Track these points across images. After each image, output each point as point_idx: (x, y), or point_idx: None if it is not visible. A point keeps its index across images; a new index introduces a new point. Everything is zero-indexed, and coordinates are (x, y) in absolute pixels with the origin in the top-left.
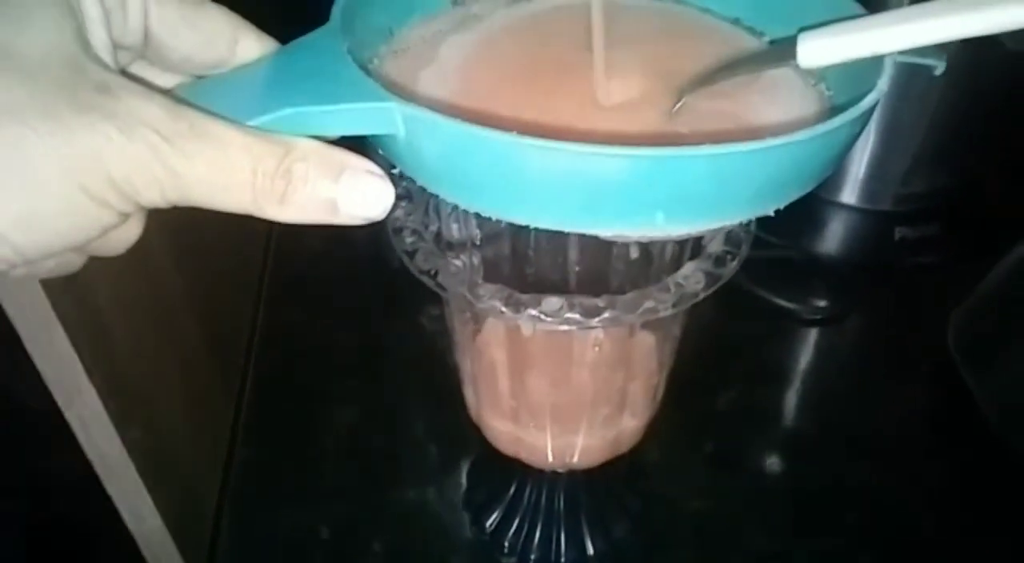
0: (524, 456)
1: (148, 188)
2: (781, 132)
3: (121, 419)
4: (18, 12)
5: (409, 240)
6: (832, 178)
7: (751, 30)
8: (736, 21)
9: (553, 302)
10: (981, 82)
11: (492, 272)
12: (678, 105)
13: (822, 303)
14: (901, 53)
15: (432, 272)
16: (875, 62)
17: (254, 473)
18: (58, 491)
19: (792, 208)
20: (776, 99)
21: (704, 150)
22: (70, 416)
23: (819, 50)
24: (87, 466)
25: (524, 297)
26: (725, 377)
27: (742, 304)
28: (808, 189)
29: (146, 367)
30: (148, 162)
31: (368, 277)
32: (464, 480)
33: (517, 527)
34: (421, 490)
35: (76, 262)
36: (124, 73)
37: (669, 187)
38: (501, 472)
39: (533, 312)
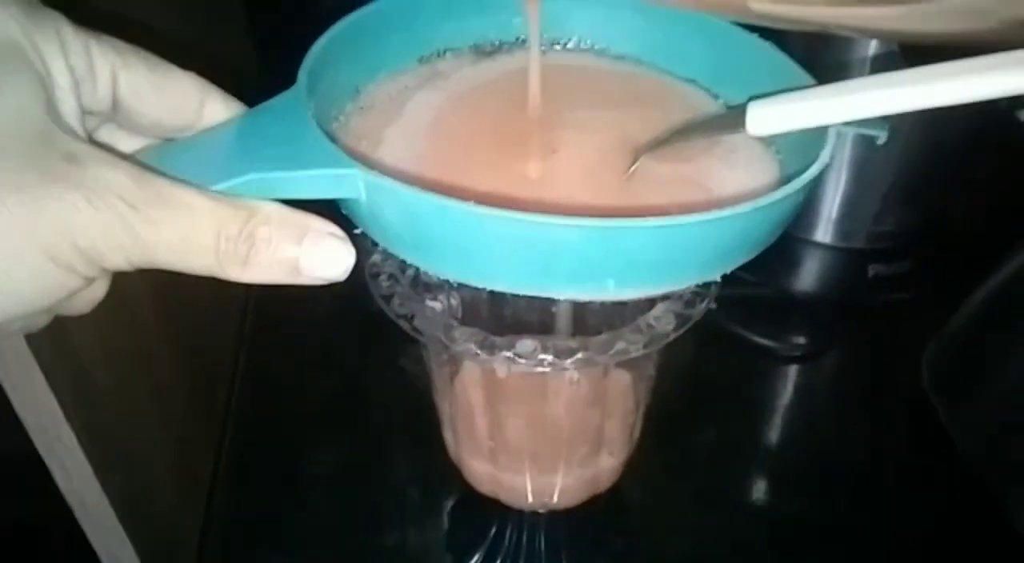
0: (503, 497)
1: (113, 254)
2: (737, 198)
3: (102, 465)
4: None
5: (386, 284)
6: (806, 218)
7: (708, 92)
8: (694, 82)
9: (527, 344)
10: (948, 122)
11: (471, 313)
12: (633, 167)
13: (799, 340)
14: (845, 123)
15: (409, 316)
16: (821, 131)
17: (235, 518)
18: (40, 537)
19: (768, 247)
20: (734, 164)
21: (651, 222)
22: (51, 462)
23: (767, 119)
24: (68, 512)
25: (498, 340)
26: (705, 415)
27: (720, 342)
28: (754, 254)
29: (127, 413)
30: (114, 229)
31: (348, 320)
32: (445, 522)
33: None
34: (402, 533)
35: (42, 321)
36: (92, 139)
37: (618, 256)
38: (482, 514)
39: (507, 354)
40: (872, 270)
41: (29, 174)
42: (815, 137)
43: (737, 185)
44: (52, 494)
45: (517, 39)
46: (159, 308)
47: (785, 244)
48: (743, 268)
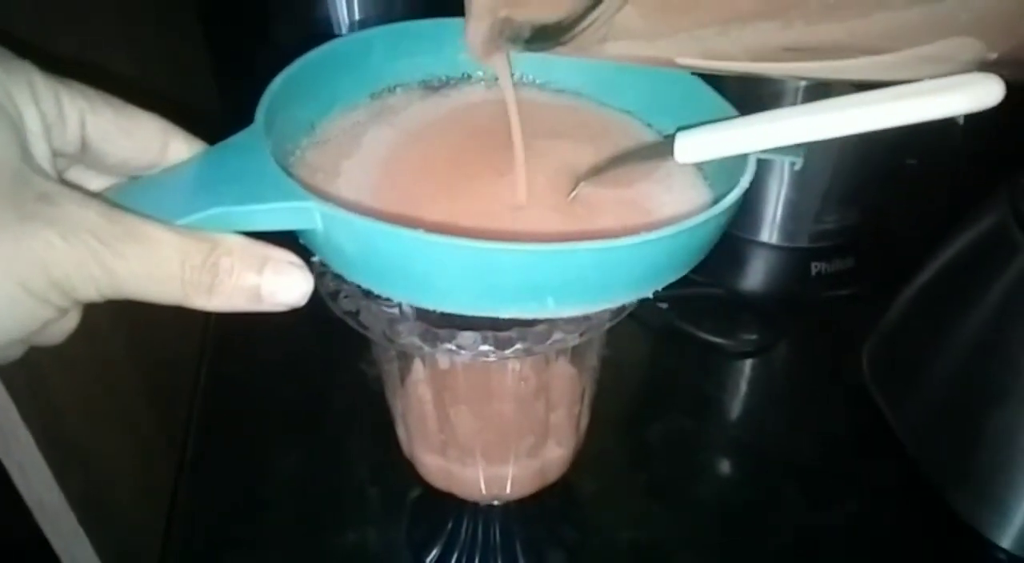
0: (457, 490)
1: (85, 286)
2: (674, 219)
3: (60, 467)
4: None
5: (331, 283)
6: (751, 219)
7: (643, 122)
8: (630, 113)
9: (468, 336)
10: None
11: (423, 316)
12: (574, 193)
13: (748, 337)
14: (763, 151)
15: (354, 312)
16: (743, 159)
17: (197, 521)
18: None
19: (716, 247)
20: (671, 188)
21: (584, 246)
22: (8, 463)
23: (693, 148)
24: (27, 513)
25: (441, 332)
26: (657, 409)
27: (672, 340)
28: (684, 272)
29: (87, 417)
30: (86, 263)
31: (309, 324)
32: (404, 519)
33: (456, 561)
34: (363, 531)
35: (17, 352)
36: (63, 179)
37: (556, 278)
38: (440, 508)
39: (449, 346)
40: (815, 268)
41: (6, 213)
42: (738, 163)
43: (674, 207)
44: (11, 495)
45: (463, 74)
46: (119, 317)
47: (732, 244)
48: (693, 269)
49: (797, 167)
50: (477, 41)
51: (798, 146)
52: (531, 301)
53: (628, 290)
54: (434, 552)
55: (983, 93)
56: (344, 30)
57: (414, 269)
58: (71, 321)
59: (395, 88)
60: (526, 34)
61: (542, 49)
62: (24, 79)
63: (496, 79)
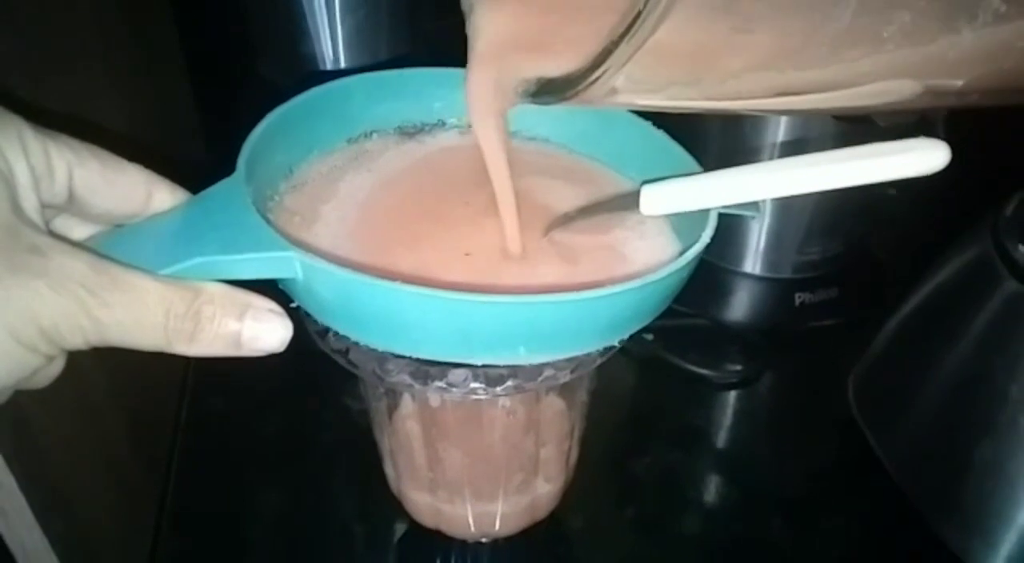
0: (445, 528)
1: (73, 334)
2: (648, 266)
3: (43, 510)
4: None
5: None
6: (735, 250)
7: (612, 169)
8: (599, 161)
9: (458, 373)
10: None
11: None
12: (545, 237)
13: (734, 367)
14: (724, 207)
15: (343, 350)
16: (705, 213)
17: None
18: None
19: (700, 279)
20: (644, 235)
21: (550, 298)
22: None
23: (657, 201)
24: (9, 557)
25: (431, 369)
26: (644, 442)
27: (657, 371)
28: (648, 321)
29: (69, 458)
30: (74, 313)
31: (291, 362)
32: (392, 557)
33: None
34: None
35: (3, 397)
36: (49, 229)
37: (525, 327)
38: (427, 546)
39: (440, 383)
40: (799, 298)
41: None
42: (702, 215)
43: (648, 254)
44: None
45: (438, 121)
46: (100, 355)
47: (716, 275)
48: (677, 300)
49: (754, 220)
50: (480, 92)
51: (753, 203)
52: (503, 349)
53: (596, 338)
54: None
55: (931, 157)
56: (329, 67)
57: (391, 318)
58: (57, 367)
59: (372, 133)
60: (532, 88)
61: (546, 102)
62: (15, 134)
63: (471, 126)
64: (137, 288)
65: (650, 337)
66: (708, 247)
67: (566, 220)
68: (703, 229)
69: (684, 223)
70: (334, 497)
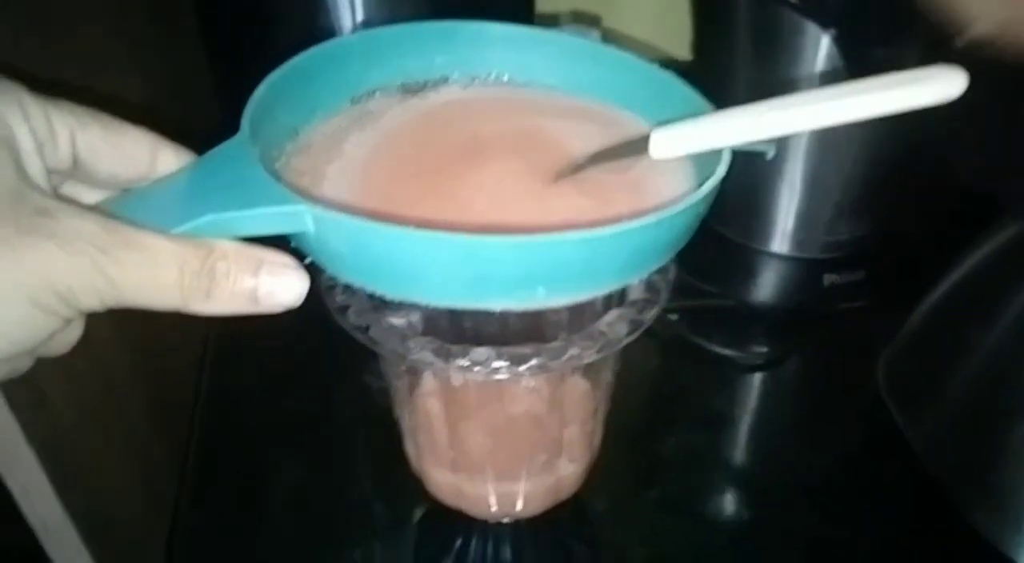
0: (467, 507)
1: (88, 295)
2: (669, 202)
3: (63, 486)
4: None
5: (340, 297)
6: (762, 229)
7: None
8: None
9: (481, 352)
10: (895, 133)
11: (431, 327)
12: (557, 179)
13: (759, 349)
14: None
15: (364, 327)
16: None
17: (200, 539)
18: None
19: (726, 259)
20: (662, 170)
21: (571, 235)
22: (11, 483)
23: (667, 144)
24: (30, 532)
25: (454, 348)
26: (668, 424)
27: (682, 352)
28: (667, 259)
29: (88, 433)
30: (88, 272)
31: (311, 338)
32: (410, 536)
33: None
34: (369, 549)
35: (26, 364)
36: (58, 194)
37: (545, 267)
38: (448, 526)
39: (463, 362)
40: (827, 279)
41: (7, 229)
42: (718, 153)
43: (665, 190)
44: (13, 515)
45: (441, 77)
46: (120, 331)
47: (743, 255)
48: (703, 280)
49: (769, 157)
50: None
51: (769, 139)
52: (521, 291)
53: (614, 277)
54: None
55: (947, 85)
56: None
57: (405, 265)
58: (75, 331)
59: (375, 93)
60: None
61: None
62: (14, 99)
63: (473, 79)
64: (149, 246)
65: (675, 317)
66: (733, 221)
67: (576, 169)
68: (717, 163)
69: (702, 159)
70: (354, 474)
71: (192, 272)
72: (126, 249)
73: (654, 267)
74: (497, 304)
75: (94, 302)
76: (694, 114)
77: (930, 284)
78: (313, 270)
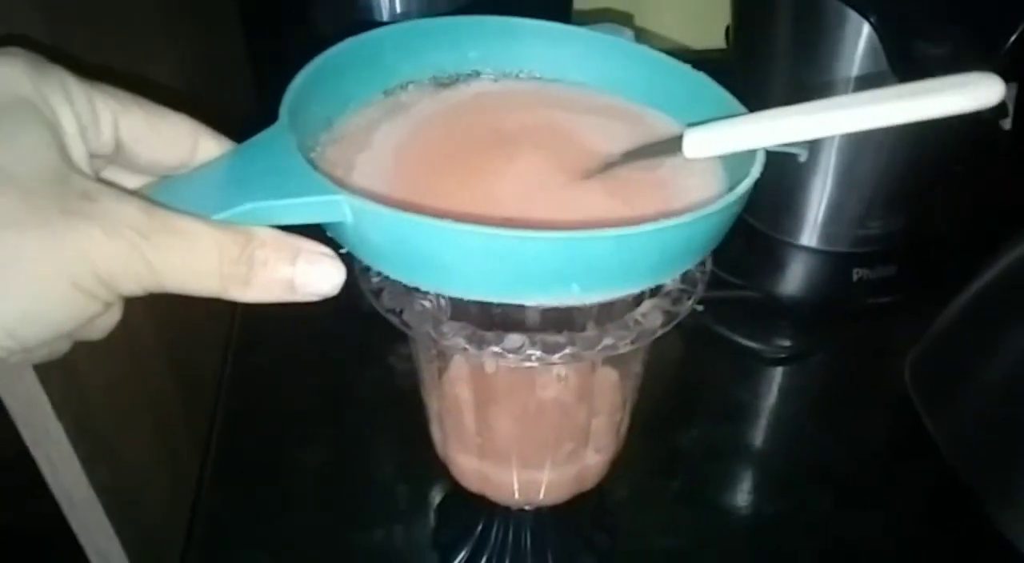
0: (490, 493)
1: (129, 279)
2: (697, 203)
3: (89, 459)
4: (9, 133)
5: (375, 279)
6: (791, 221)
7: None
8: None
9: (515, 339)
10: (930, 131)
11: (460, 311)
12: (588, 177)
13: (784, 343)
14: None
15: (398, 310)
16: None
17: (221, 517)
18: (25, 529)
19: (753, 250)
20: (693, 171)
21: (608, 232)
22: (38, 455)
23: (701, 144)
24: (55, 505)
25: (487, 334)
26: (692, 415)
27: (707, 344)
28: (700, 259)
29: (115, 409)
30: (129, 257)
31: (337, 319)
32: (432, 519)
33: None
34: (389, 530)
35: (65, 347)
36: (99, 178)
37: (581, 264)
38: (469, 510)
39: (496, 349)
40: (857, 274)
41: (51, 211)
42: (750, 153)
43: (696, 191)
44: (39, 486)
45: (473, 71)
46: (149, 309)
47: (771, 247)
48: (729, 271)
49: (802, 159)
50: None
51: (802, 141)
52: (556, 288)
53: (648, 276)
54: (462, 554)
55: (984, 91)
56: (385, 18)
57: (442, 258)
58: (115, 315)
59: (407, 85)
60: None
61: None
62: (58, 83)
63: (505, 74)
64: (189, 232)
65: (700, 308)
66: (762, 213)
67: (607, 167)
68: (752, 165)
69: (733, 160)
70: (376, 456)
71: (231, 259)
72: (167, 234)
73: (688, 266)
74: (532, 300)
75: (134, 286)
76: (726, 115)
77: (961, 282)
78: (335, 246)
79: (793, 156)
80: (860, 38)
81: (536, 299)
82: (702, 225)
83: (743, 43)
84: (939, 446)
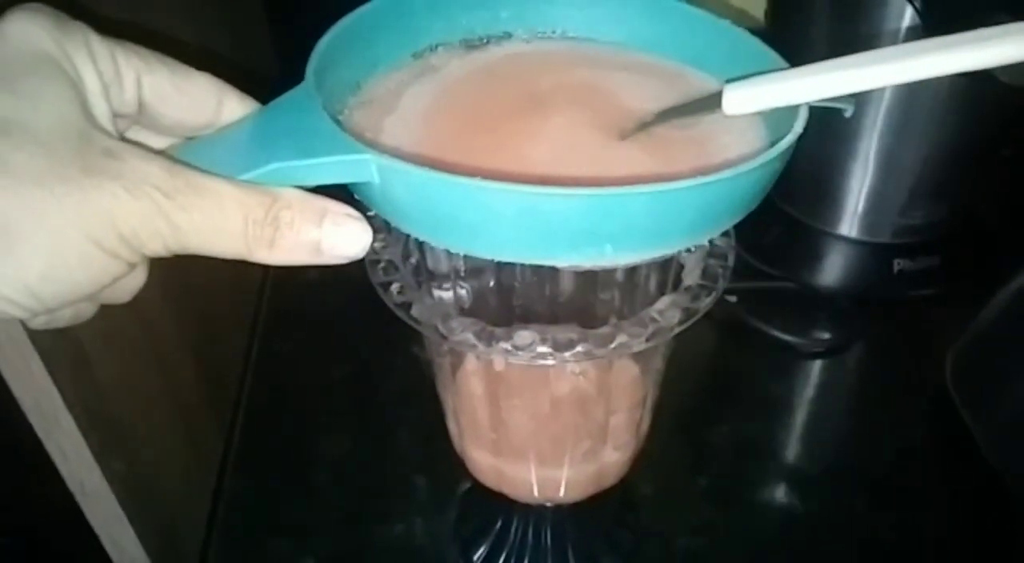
0: (507, 490)
1: (152, 239)
2: (735, 161)
3: (102, 450)
4: (31, 90)
5: (383, 273)
6: (830, 210)
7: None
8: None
9: (525, 336)
10: (977, 115)
11: (479, 303)
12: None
13: (821, 336)
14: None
15: (406, 305)
16: (795, 106)
17: (243, 504)
18: (40, 520)
19: (791, 240)
20: (731, 127)
21: (643, 188)
22: (50, 446)
23: (741, 100)
24: (69, 497)
25: (497, 331)
26: (722, 410)
27: (740, 336)
28: (737, 219)
29: (131, 397)
30: (152, 216)
31: (362, 309)
32: (453, 513)
33: (504, 562)
34: (409, 523)
35: (90, 310)
36: (123, 138)
37: (615, 222)
38: (489, 505)
39: (505, 346)
40: (898, 265)
41: (73, 168)
42: (792, 110)
43: (735, 149)
44: (53, 477)
45: (504, 33)
46: (169, 296)
47: (808, 237)
48: (765, 261)
49: (848, 114)
50: None
51: (849, 95)
52: (589, 248)
53: (684, 236)
54: (482, 550)
55: None
56: None
57: (472, 218)
58: (139, 278)
59: (436, 47)
60: None
61: None
62: (81, 40)
63: (537, 34)
64: (214, 192)
65: (734, 299)
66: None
67: (645, 125)
68: (794, 121)
69: (774, 116)
70: (398, 447)
71: (256, 220)
72: (191, 194)
73: (726, 226)
74: (563, 261)
75: (158, 246)
76: (766, 71)
77: (1007, 275)
78: (361, 209)
79: (839, 112)
80: (902, 20)
81: (568, 260)
82: (743, 181)
83: (781, 24)
84: (979, 445)
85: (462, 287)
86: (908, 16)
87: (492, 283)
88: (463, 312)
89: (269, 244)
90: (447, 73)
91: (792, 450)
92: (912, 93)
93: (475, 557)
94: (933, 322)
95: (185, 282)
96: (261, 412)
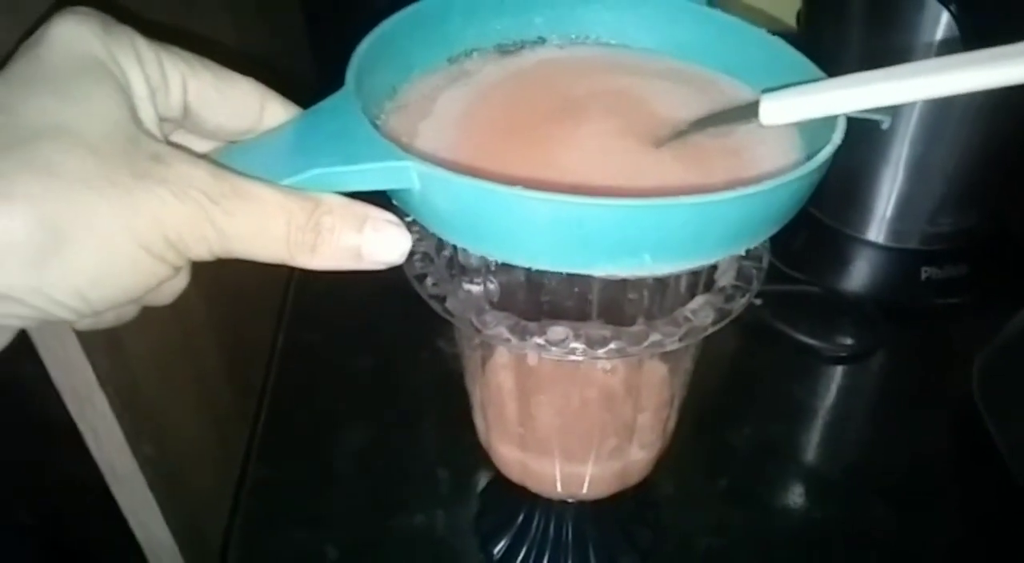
0: (531, 485)
1: (198, 244)
2: (770, 172)
3: (133, 431)
4: (81, 94)
5: (419, 265)
6: (859, 215)
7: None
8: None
9: (558, 331)
10: (1009, 123)
11: (508, 298)
12: (664, 144)
13: (845, 341)
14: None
15: (440, 297)
16: (833, 117)
17: (266, 492)
18: (68, 500)
19: (818, 244)
20: (766, 138)
21: (683, 200)
22: (82, 425)
23: (778, 110)
24: (98, 476)
25: (530, 325)
26: (744, 412)
27: (765, 339)
28: (776, 229)
29: (162, 381)
30: (198, 221)
31: (388, 300)
32: (474, 506)
33: (524, 555)
34: (431, 514)
35: (132, 312)
36: (168, 142)
37: (654, 232)
38: (511, 499)
39: (538, 341)
40: (925, 273)
41: (122, 172)
42: (829, 119)
43: (771, 159)
44: (83, 457)
45: (538, 38)
46: (200, 283)
47: (837, 242)
48: (792, 265)
49: (885, 126)
50: None
51: (887, 107)
52: (627, 257)
53: (721, 246)
54: (502, 543)
55: None
56: None
57: (510, 226)
58: (181, 281)
59: (471, 52)
60: None
61: None
62: (128, 44)
63: (572, 40)
64: (257, 197)
65: (759, 301)
66: (828, 204)
67: (680, 133)
68: (831, 132)
69: (809, 127)
70: (421, 438)
71: (299, 226)
72: (235, 199)
73: (764, 237)
74: (600, 270)
75: (203, 251)
76: (802, 81)
77: None
78: (400, 214)
79: (875, 124)
80: (938, 27)
81: (605, 269)
82: (782, 193)
83: (814, 30)
84: (1003, 455)
85: (492, 282)
86: (944, 21)
87: (522, 279)
88: (492, 306)
89: (311, 249)
90: (481, 78)
91: (813, 454)
92: (945, 100)
93: (495, 550)
94: (959, 331)
95: (215, 272)
96: (286, 402)
